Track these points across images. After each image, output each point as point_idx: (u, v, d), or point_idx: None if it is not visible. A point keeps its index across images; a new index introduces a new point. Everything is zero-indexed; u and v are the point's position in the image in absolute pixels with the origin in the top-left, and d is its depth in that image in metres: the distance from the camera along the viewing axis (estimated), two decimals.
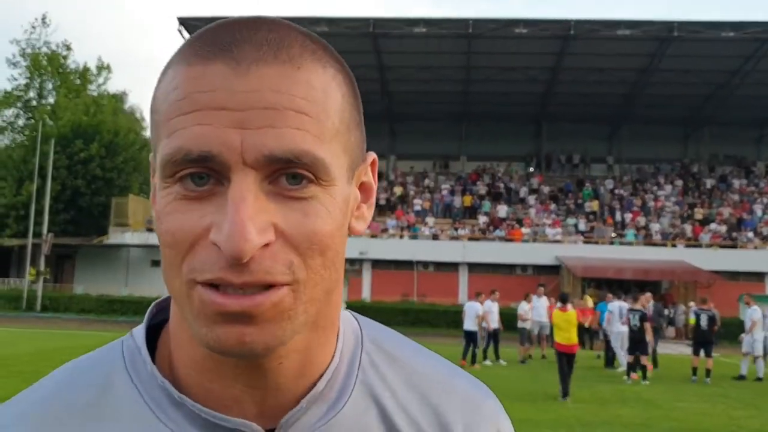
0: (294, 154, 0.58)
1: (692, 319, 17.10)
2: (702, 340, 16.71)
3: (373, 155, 0.70)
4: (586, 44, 37.85)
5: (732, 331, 31.95)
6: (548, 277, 34.22)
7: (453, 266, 36.90)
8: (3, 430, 0.66)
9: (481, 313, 17.34)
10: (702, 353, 16.59)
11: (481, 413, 0.77)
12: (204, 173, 0.58)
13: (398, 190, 44.00)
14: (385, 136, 48.78)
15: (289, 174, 0.59)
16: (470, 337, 17.45)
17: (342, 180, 0.63)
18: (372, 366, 0.74)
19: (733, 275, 35.19)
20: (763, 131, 48.70)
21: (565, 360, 13.22)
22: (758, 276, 36.40)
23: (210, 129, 0.57)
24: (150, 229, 39.45)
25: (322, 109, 0.60)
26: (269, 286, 0.58)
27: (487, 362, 18.66)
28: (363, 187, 0.70)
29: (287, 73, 0.59)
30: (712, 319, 16.79)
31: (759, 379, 16.84)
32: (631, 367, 16.28)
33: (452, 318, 29.07)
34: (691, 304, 26.48)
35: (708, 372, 16.45)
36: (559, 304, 14.47)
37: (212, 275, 0.58)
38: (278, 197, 0.59)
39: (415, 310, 33.58)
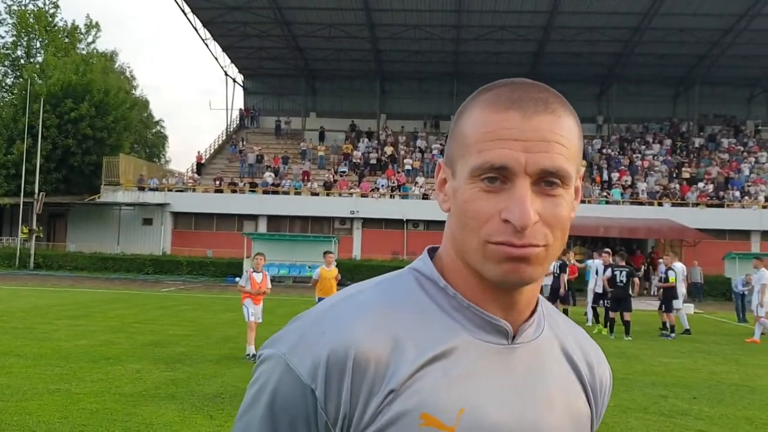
0: (557, 169, 0.93)
1: (672, 278, 17.35)
2: (670, 296, 17.21)
3: (582, 168, 1.02)
4: (579, 2, 37.55)
5: (717, 288, 32.58)
6: None
7: (442, 225, 36.44)
8: (346, 313, 0.97)
9: None
10: (664, 308, 17.18)
11: (601, 355, 1.17)
12: (496, 177, 0.93)
13: (389, 150, 43.96)
14: (375, 96, 48.57)
15: (546, 180, 0.93)
16: None
17: (572, 184, 0.97)
18: (548, 313, 1.12)
19: (720, 233, 35.64)
20: (753, 91, 48.70)
21: None
22: (744, 234, 36.80)
23: (508, 152, 0.92)
24: (141, 188, 39.42)
25: (570, 142, 0.96)
26: (534, 247, 0.93)
27: None
28: (575, 189, 1.03)
29: (554, 121, 0.94)
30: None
31: (673, 330, 17.04)
32: (613, 324, 16.61)
33: None
34: (660, 260, 26.69)
35: (672, 327, 16.92)
36: None
37: (503, 239, 0.92)
38: (539, 194, 0.93)
39: None
